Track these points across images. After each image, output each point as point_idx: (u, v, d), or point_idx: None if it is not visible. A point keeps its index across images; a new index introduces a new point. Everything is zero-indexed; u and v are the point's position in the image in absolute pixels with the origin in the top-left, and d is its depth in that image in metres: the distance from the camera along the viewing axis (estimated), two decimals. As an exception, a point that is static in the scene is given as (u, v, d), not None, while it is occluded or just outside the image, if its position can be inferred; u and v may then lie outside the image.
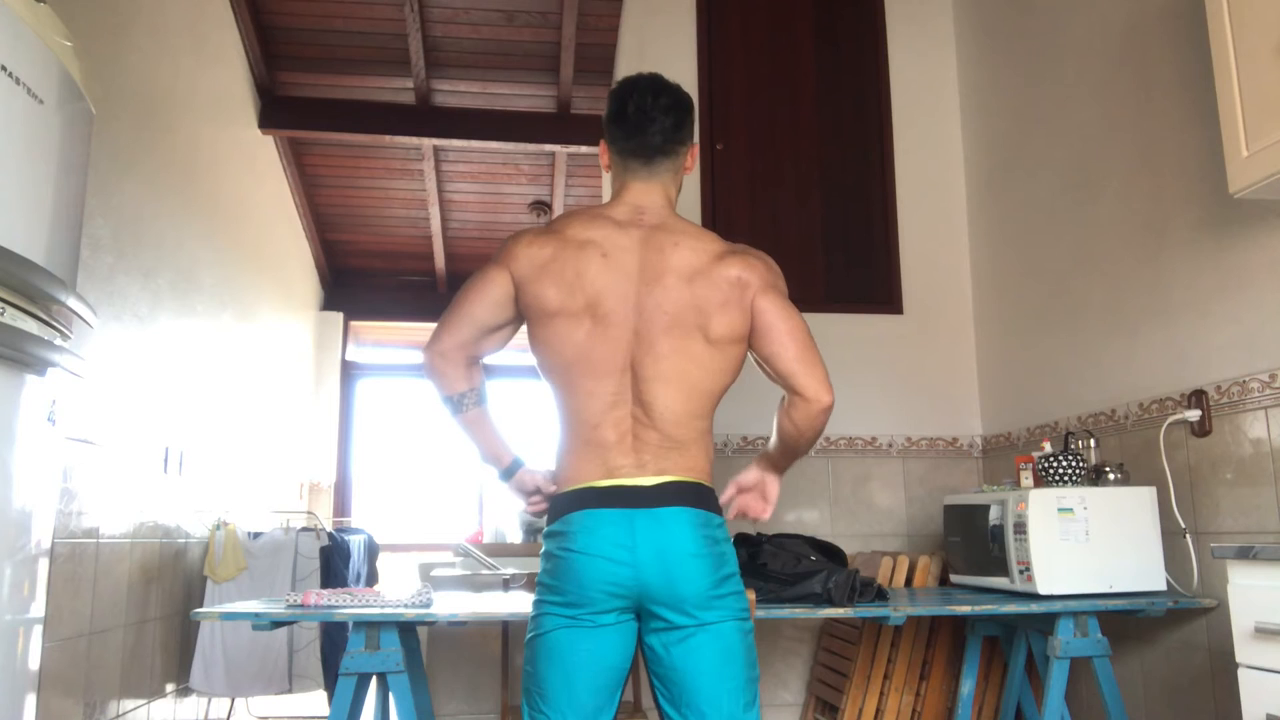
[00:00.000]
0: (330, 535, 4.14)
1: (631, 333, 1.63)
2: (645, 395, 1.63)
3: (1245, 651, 1.71)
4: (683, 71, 3.66)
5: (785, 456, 1.81)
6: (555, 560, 1.61)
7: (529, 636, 1.65)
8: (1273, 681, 1.65)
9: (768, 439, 1.82)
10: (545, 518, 1.73)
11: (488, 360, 1.79)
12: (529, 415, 5.98)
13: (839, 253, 3.74)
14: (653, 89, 1.73)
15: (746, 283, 1.67)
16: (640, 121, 1.71)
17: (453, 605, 2.35)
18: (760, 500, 1.83)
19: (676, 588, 1.57)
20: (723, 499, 1.77)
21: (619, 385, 1.63)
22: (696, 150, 1.82)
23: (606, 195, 6.19)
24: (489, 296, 1.69)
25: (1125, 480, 2.60)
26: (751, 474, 1.84)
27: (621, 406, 1.63)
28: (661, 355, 1.63)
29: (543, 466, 1.78)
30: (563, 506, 1.64)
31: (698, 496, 1.63)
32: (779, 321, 1.68)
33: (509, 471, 1.79)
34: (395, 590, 2.46)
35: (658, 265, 1.66)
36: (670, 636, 1.59)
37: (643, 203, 1.73)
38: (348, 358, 6.82)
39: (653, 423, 1.63)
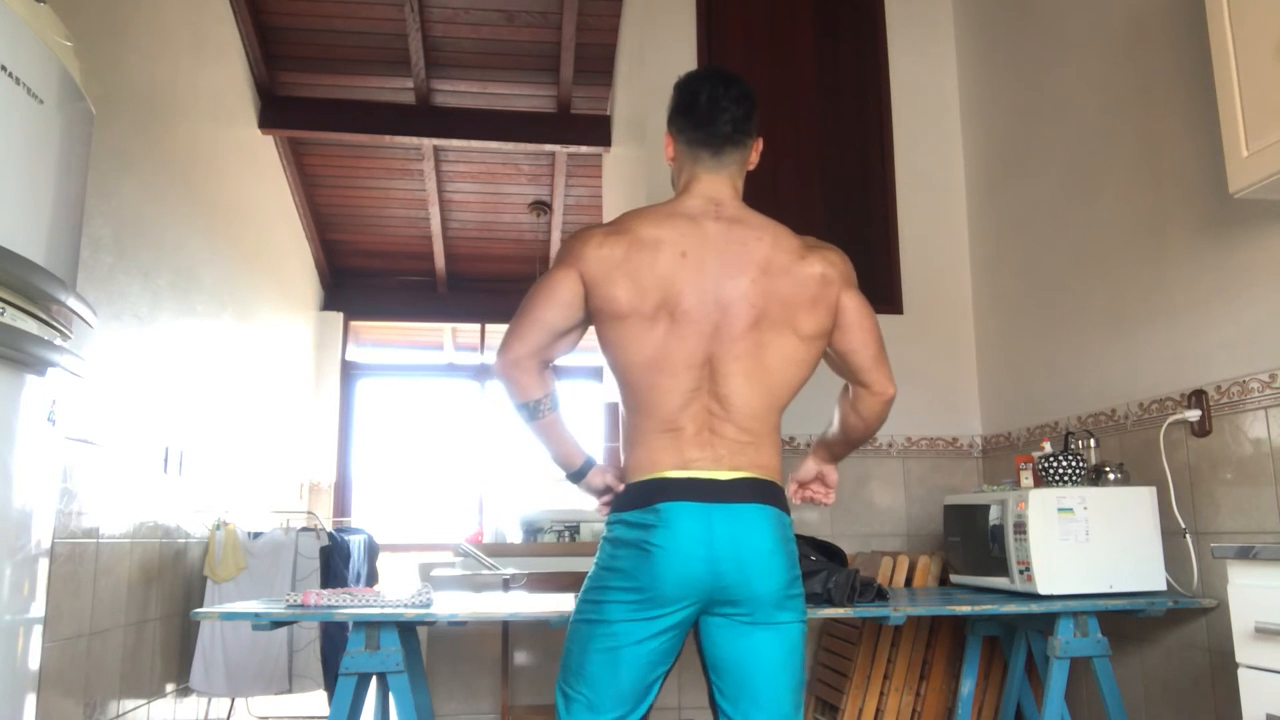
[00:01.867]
0: (330, 535, 4.14)
1: (712, 327, 1.62)
2: (722, 389, 1.62)
3: (1245, 651, 1.71)
4: (683, 71, 3.65)
5: (845, 446, 1.88)
6: (631, 549, 1.59)
7: (581, 618, 1.63)
8: (1273, 681, 1.65)
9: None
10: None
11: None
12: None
13: (839, 253, 3.73)
14: (723, 80, 1.74)
15: (830, 279, 1.69)
16: (711, 110, 1.71)
17: (453, 605, 2.35)
18: (823, 488, 1.92)
19: (753, 585, 1.57)
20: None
21: (697, 380, 1.62)
22: (761, 144, 1.81)
23: (607, 195, 6.13)
24: (559, 299, 1.65)
25: (1125, 480, 2.60)
26: (808, 468, 1.93)
27: (698, 400, 1.62)
28: (742, 352, 1.63)
29: (611, 465, 1.77)
30: (637, 496, 1.62)
31: (773, 495, 1.64)
32: (862, 319, 1.73)
33: (580, 473, 1.77)
34: (395, 590, 2.46)
35: (741, 259, 1.64)
36: (739, 633, 1.59)
37: (715, 193, 1.72)
38: (348, 358, 6.82)
39: (729, 416, 1.62)
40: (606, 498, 1.75)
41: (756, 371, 1.63)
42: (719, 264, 1.63)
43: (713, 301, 1.62)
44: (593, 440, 5.98)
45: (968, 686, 2.89)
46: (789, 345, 1.65)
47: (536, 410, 1.69)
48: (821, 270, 1.69)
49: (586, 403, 6.58)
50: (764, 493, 1.62)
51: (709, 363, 1.62)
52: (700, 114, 1.72)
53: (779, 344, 1.64)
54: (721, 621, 1.60)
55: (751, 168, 1.81)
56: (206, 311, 4.21)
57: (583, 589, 1.66)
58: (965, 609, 2.41)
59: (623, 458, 1.71)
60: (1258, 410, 2.28)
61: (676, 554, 1.55)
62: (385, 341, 7.27)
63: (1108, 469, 2.60)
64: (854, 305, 1.72)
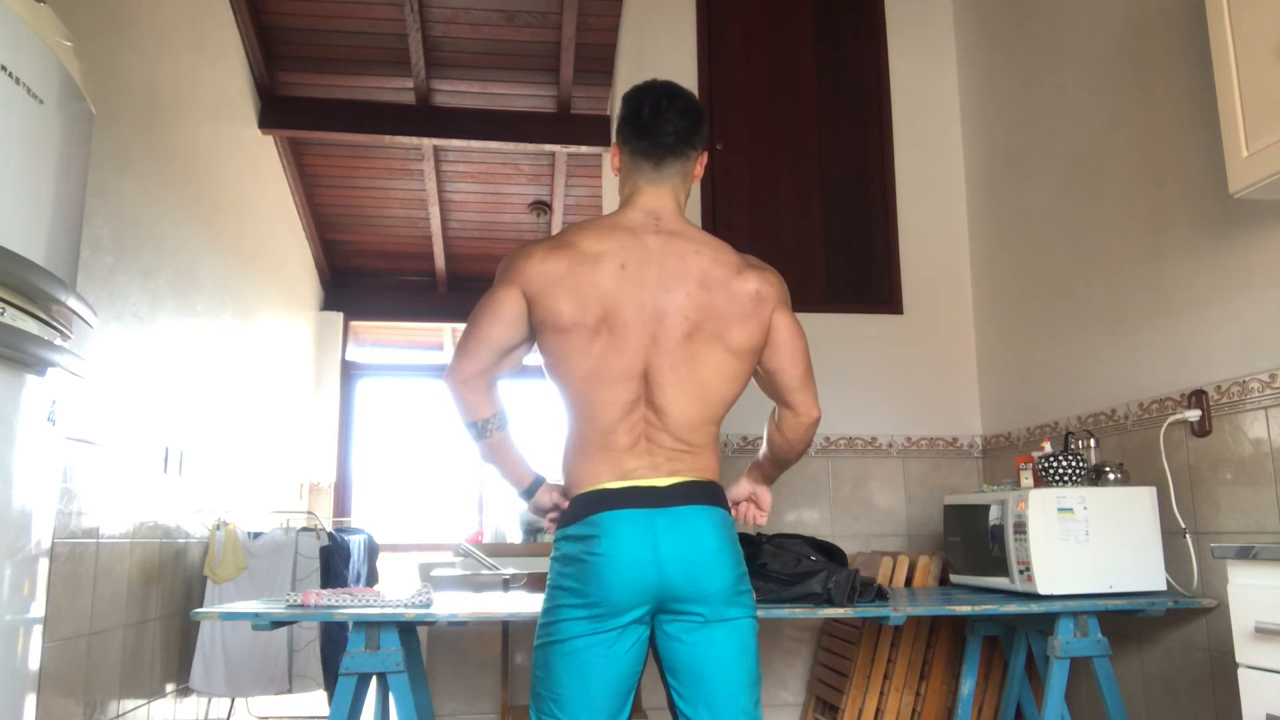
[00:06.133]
0: (330, 535, 4.14)
1: (649, 338, 1.64)
2: (658, 400, 1.64)
3: (1245, 651, 1.71)
4: (683, 71, 3.66)
5: (776, 466, 1.92)
6: (576, 564, 1.61)
7: (542, 641, 1.64)
8: (1273, 681, 1.65)
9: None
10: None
11: None
12: (534, 414, 5.99)
13: (839, 253, 3.74)
14: (668, 93, 1.76)
15: (765, 297, 1.71)
16: (655, 121, 1.72)
17: (453, 605, 2.35)
18: (756, 509, 1.95)
19: (701, 585, 1.59)
20: None
21: (635, 391, 1.64)
22: (705, 158, 1.83)
23: (607, 195, 6.13)
24: (503, 316, 1.66)
25: (1125, 480, 2.60)
26: (742, 488, 1.95)
27: (635, 411, 1.64)
28: (678, 361, 1.64)
29: (559, 481, 1.78)
30: (579, 510, 1.64)
31: (713, 495, 1.66)
32: (793, 339, 1.75)
33: (529, 491, 1.79)
34: (395, 590, 2.46)
35: (679, 271, 1.66)
36: (691, 633, 1.61)
37: (656, 207, 1.74)
38: (348, 358, 6.82)
39: (665, 426, 1.64)
40: (553, 514, 1.77)
41: (690, 382, 1.65)
42: (658, 276, 1.65)
43: (650, 313, 1.64)
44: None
45: (968, 686, 2.89)
46: (720, 359, 1.67)
47: (485, 429, 1.71)
48: (757, 287, 1.70)
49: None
50: (705, 494, 1.64)
51: (646, 374, 1.64)
52: (644, 124, 1.73)
53: (711, 357, 1.66)
54: (675, 624, 1.61)
55: (695, 180, 1.82)
56: (206, 311, 4.21)
57: (540, 612, 1.67)
58: (965, 609, 2.42)
59: (563, 474, 1.72)
60: (1258, 410, 2.28)
61: (619, 561, 1.57)
62: (385, 341, 7.27)
63: (1108, 469, 2.60)
64: (786, 325, 1.74)
